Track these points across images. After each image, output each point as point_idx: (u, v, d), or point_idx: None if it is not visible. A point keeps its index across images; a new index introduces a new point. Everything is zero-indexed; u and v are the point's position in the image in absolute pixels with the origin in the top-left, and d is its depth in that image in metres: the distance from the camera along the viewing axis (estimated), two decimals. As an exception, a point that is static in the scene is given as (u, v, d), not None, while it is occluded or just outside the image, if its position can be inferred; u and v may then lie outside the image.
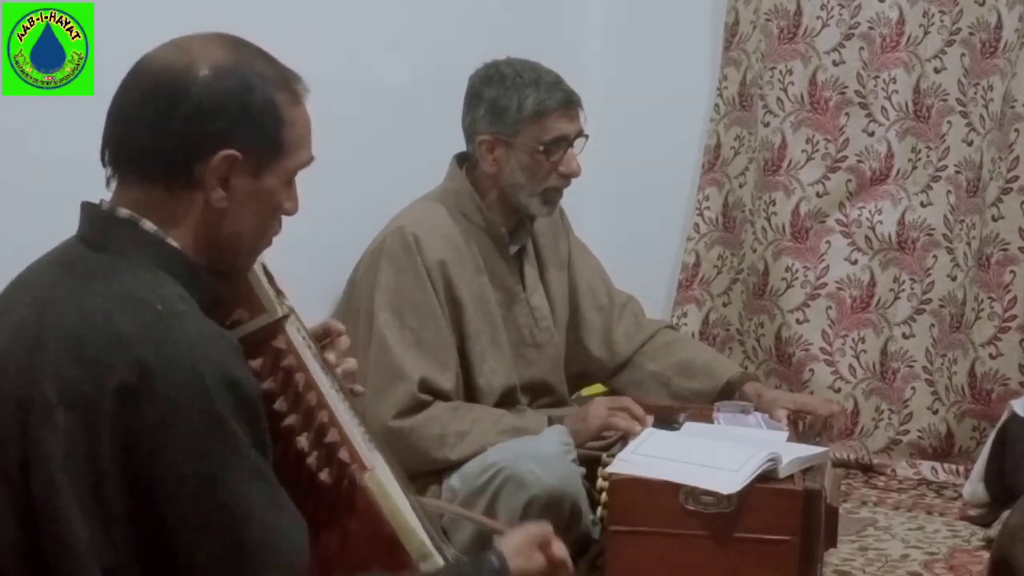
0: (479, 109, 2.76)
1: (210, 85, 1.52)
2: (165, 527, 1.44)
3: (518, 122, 2.72)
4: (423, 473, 2.61)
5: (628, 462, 2.41)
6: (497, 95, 2.74)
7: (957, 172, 3.77)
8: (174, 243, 1.54)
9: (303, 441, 1.60)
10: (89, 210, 1.57)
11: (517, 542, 1.69)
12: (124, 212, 1.54)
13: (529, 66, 2.77)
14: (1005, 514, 2.73)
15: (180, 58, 1.54)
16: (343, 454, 1.62)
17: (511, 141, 2.73)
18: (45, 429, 1.43)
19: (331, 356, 1.78)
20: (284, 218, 1.65)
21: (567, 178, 2.78)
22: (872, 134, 3.85)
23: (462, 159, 2.86)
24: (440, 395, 2.67)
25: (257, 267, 1.66)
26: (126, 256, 1.52)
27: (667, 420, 2.66)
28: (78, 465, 1.42)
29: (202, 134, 1.52)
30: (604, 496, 2.42)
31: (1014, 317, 3.61)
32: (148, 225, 1.53)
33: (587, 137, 2.80)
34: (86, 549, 1.42)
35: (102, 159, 1.57)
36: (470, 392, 2.76)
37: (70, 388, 1.43)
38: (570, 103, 2.76)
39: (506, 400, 2.79)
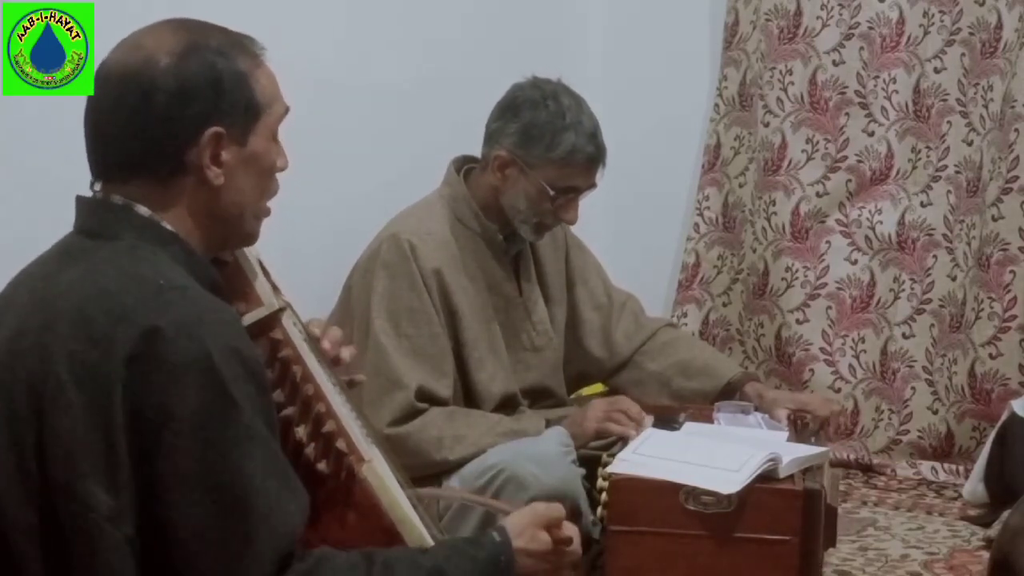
0: (511, 124, 2.73)
1: (175, 72, 1.54)
2: (166, 491, 1.44)
3: (541, 158, 2.70)
4: (421, 475, 2.61)
5: (628, 462, 2.41)
6: (533, 121, 2.70)
7: (957, 172, 3.78)
8: (169, 227, 1.56)
9: (301, 432, 1.61)
10: (83, 202, 1.59)
11: (523, 521, 1.67)
12: (118, 199, 1.56)
13: (575, 105, 2.74)
14: (1005, 514, 2.73)
15: (135, 55, 1.56)
16: (340, 444, 1.63)
17: (526, 170, 2.71)
18: (59, 408, 1.45)
19: (326, 344, 1.79)
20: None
21: (561, 222, 2.79)
22: (872, 134, 3.85)
23: (460, 163, 2.86)
24: (437, 403, 2.66)
25: (254, 262, 1.68)
26: (124, 239, 1.54)
27: (667, 420, 2.66)
28: (93, 437, 1.43)
29: (182, 121, 1.54)
30: (604, 496, 2.41)
31: (1014, 317, 3.61)
32: (142, 210, 1.56)
33: (595, 187, 2.79)
34: (106, 519, 1.43)
35: (91, 172, 1.58)
36: (469, 399, 2.75)
37: (80, 365, 1.45)
38: (596, 161, 2.74)
39: (506, 406, 2.78)
